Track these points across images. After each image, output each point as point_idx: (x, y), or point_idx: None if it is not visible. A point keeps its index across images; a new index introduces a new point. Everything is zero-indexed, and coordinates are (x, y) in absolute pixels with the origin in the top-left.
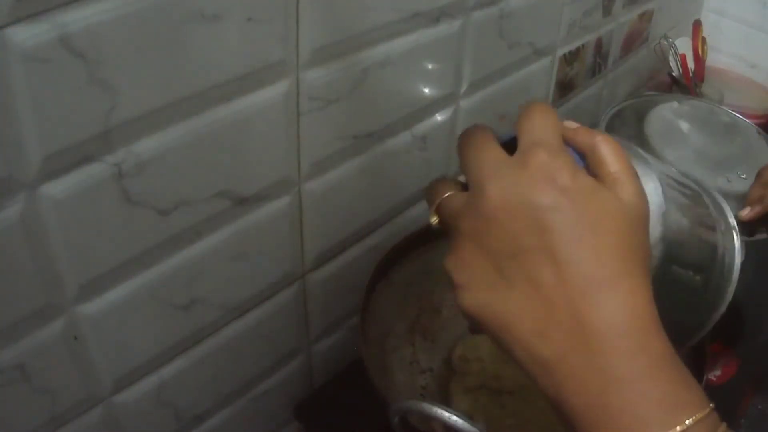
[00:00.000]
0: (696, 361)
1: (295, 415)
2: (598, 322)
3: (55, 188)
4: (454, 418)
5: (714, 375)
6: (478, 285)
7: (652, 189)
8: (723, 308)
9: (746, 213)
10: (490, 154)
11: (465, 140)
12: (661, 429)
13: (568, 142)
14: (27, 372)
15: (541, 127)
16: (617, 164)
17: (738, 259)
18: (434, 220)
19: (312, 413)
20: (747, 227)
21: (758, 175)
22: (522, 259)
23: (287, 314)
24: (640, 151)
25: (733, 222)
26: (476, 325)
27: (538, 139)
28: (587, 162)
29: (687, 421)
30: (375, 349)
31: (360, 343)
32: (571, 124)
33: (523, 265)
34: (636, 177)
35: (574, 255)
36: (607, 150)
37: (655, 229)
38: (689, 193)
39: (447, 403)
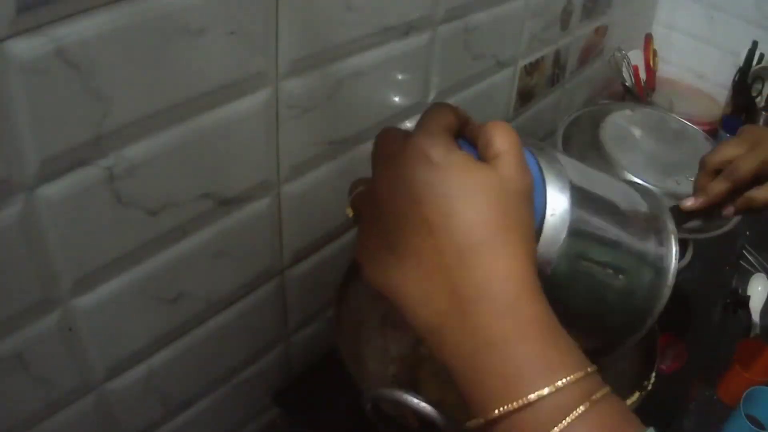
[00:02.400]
0: (648, 352)
1: (274, 402)
2: (469, 288)
3: (52, 190)
4: (422, 404)
5: (665, 365)
6: (375, 261)
7: (559, 189)
8: (658, 309)
9: (690, 203)
10: (385, 141)
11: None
12: (531, 389)
13: (465, 138)
14: (25, 361)
15: (427, 119)
16: (500, 143)
17: (674, 262)
18: (349, 212)
19: (290, 400)
20: (684, 214)
21: (702, 164)
22: (404, 233)
23: (267, 307)
24: (557, 153)
25: (672, 227)
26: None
27: (419, 127)
28: (478, 149)
29: (558, 383)
30: (349, 339)
31: (335, 334)
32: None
33: (406, 238)
34: (518, 155)
35: (447, 225)
36: (493, 131)
37: (558, 223)
38: (623, 198)
39: (416, 389)
